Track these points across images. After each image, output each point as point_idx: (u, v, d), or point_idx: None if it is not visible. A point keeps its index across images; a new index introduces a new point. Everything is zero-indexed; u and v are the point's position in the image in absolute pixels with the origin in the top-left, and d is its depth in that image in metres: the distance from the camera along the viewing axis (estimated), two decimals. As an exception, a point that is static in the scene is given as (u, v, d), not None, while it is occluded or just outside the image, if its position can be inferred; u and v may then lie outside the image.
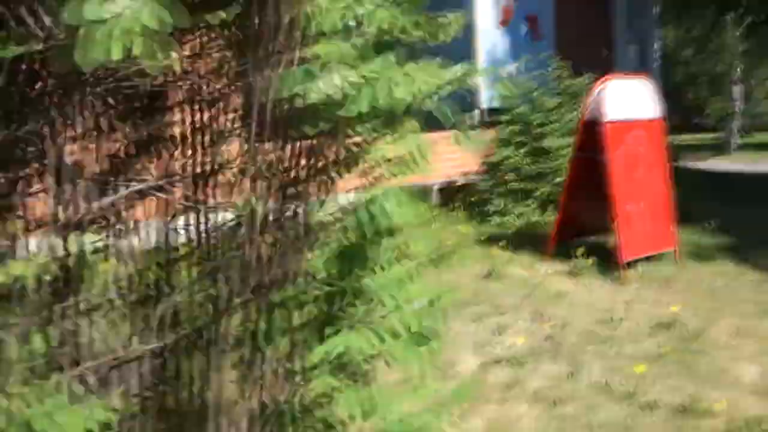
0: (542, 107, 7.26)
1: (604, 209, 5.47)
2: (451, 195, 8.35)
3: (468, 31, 10.03)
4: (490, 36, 10.22)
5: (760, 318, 4.52)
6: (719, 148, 23.23)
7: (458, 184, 8.64)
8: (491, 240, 6.35)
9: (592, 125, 5.43)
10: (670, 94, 32.05)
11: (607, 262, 5.48)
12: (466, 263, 5.62)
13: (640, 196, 5.55)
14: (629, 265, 5.47)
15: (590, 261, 5.43)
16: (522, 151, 7.22)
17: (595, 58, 12.82)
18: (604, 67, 13.13)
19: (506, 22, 10.57)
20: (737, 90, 22.30)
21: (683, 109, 42.43)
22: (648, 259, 5.69)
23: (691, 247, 6.30)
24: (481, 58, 10.01)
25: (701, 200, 8.77)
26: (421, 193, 8.30)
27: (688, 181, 11.11)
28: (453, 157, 9.73)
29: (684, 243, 6.38)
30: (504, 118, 7.51)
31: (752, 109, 30.15)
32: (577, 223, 5.87)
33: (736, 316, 4.56)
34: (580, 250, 5.56)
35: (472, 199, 7.69)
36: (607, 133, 5.31)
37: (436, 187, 8.50)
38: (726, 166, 16.01)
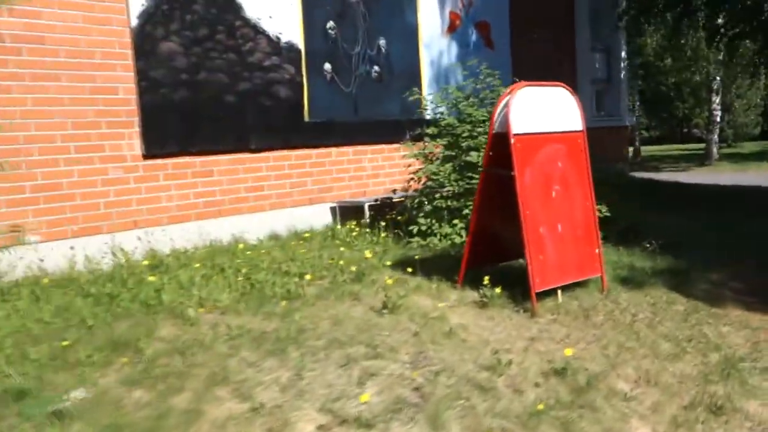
0: (470, 118, 6.68)
1: (519, 232, 4.89)
2: (383, 213, 7.78)
3: (411, 38, 9.49)
4: (435, 44, 9.67)
5: (672, 359, 3.93)
6: (702, 159, 22.75)
7: (392, 200, 8.08)
8: (405, 264, 5.76)
9: (500, 139, 4.86)
10: (655, 103, 31.63)
11: (522, 291, 4.89)
12: (365, 293, 5.03)
13: (556, 218, 4.96)
14: (546, 295, 4.89)
15: (498, 291, 4.84)
16: (449, 165, 6.64)
17: (556, 66, 12.31)
18: (566, 77, 12.62)
19: (453, 29, 10.02)
20: (717, 100, 21.80)
21: (672, 119, 42.23)
22: (570, 287, 5.11)
23: (625, 272, 5.73)
24: (425, 66, 9.47)
25: (655, 216, 8.24)
26: (354, 211, 7.67)
27: (647, 194, 10.58)
28: (391, 172, 9.20)
29: (618, 266, 5.82)
30: (430, 130, 6.94)
31: (736, 119, 29.76)
32: (492, 246, 5.29)
33: (648, 357, 3.97)
34: (490, 278, 4.98)
35: (399, 218, 7.10)
36: (515, 147, 4.74)
37: (367, 205, 7.94)
38: (699, 177, 15.47)
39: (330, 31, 8.27)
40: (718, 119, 22.06)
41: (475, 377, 3.62)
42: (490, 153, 5.00)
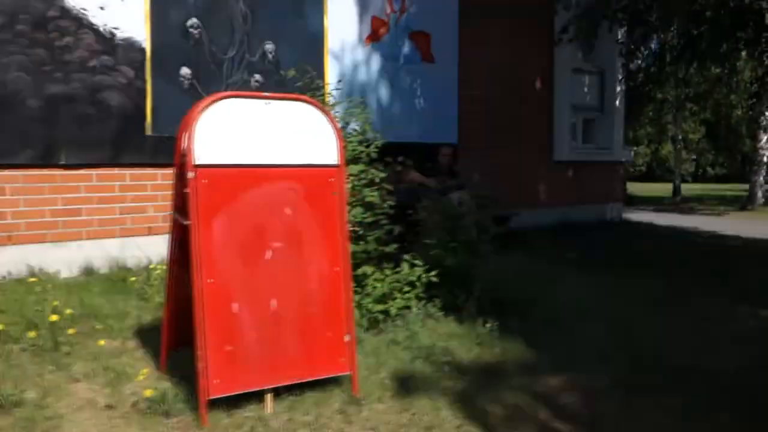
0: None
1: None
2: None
3: (314, 45, 8.06)
4: (348, 54, 8.22)
5: None
6: (745, 203, 20.19)
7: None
8: (147, 329, 4.34)
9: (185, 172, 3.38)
10: (703, 138, 28.88)
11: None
12: (22, 376, 3.62)
13: (269, 290, 3.42)
14: (250, 399, 3.36)
15: (150, 392, 3.34)
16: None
17: (524, 88, 10.59)
18: (537, 101, 10.87)
19: (377, 38, 8.55)
20: (766, 138, 19.31)
21: (743, 156, 38.96)
22: (301, 387, 3.55)
23: (420, 365, 4.09)
24: (332, 80, 8.00)
25: (575, 278, 6.51)
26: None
27: (604, 246, 8.73)
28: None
29: (420, 355, 4.20)
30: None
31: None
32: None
33: None
34: (148, 371, 3.50)
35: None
36: (198, 185, 3.25)
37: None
38: (720, 225, 13.27)
39: (192, 29, 6.96)
40: (765, 158, 19.46)
41: None
42: (185, 190, 3.50)
